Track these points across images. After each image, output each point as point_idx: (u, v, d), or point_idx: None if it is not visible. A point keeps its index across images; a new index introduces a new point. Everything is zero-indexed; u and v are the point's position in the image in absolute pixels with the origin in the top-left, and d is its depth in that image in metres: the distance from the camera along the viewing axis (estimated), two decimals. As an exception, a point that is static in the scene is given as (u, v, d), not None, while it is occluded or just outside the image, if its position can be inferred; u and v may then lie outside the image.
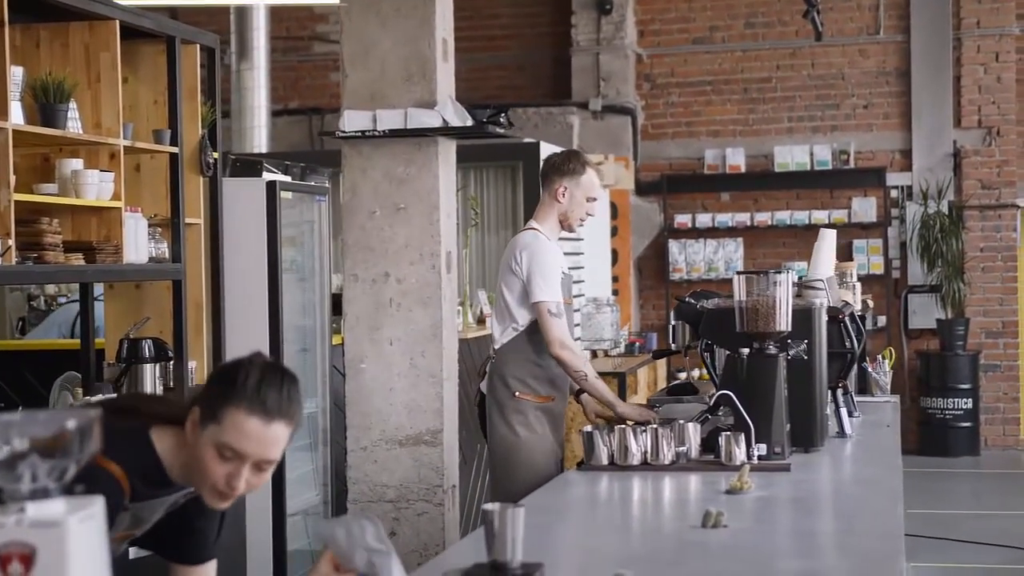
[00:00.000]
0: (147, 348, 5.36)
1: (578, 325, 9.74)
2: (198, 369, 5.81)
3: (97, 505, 1.76)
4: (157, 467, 2.62)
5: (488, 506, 2.71)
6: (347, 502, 5.75)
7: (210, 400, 2.56)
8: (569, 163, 5.27)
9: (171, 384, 5.56)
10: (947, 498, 10.51)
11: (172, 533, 2.79)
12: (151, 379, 5.36)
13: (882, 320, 12.44)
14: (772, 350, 4.34)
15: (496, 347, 5.26)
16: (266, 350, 6.29)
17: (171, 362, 5.53)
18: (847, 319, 5.02)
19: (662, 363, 11.15)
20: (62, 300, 8.59)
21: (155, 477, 2.63)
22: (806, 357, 4.46)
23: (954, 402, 12.12)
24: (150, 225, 5.46)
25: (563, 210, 5.23)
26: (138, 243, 5.23)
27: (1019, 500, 10.50)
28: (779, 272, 4.36)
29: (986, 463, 12.00)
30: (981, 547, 8.50)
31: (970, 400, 12.15)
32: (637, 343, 10.87)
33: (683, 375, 12.16)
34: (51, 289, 8.61)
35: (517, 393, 5.16)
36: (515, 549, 2.70)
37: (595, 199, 5.31)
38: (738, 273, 4.40)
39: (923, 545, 8.43)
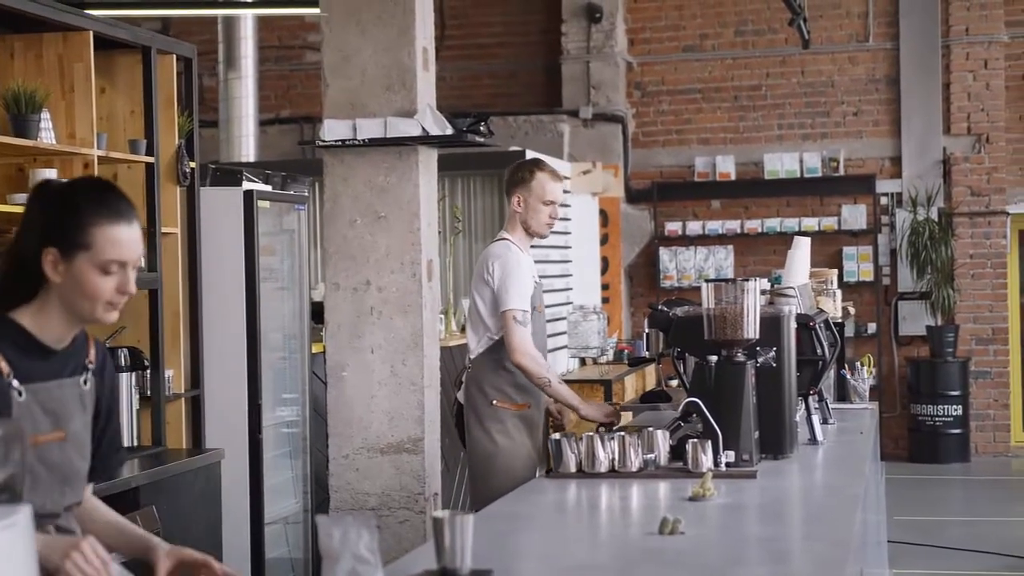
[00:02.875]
0: (123, 357, 5.37)
1: (562, 334, 9.77)
2: (175, 378, 5.83)
3: (22, 514, 1.78)
4: (26, 336, 2.67)
5: (437, 514, 2.73)
6: (329, 511, 5.76)
7: (64, 236, 2.64)
8: (518, 172, 5.41)
9: (148, 393, 5.57)
10: (937, 505, 10.52)
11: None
12: (127, 388, 5.37)
13: (872, 327, 12.45)
14: (740, 357, 4.35)
15: (472, 356, 5.36)
16: (244, 358, 6.34)
17: (147, 371, 5.54)
18: (820, 326, 5.03)
19: (651, 370, 11.17)
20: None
21: (29, 346, 2.67)
22: (775, 364, 4.47)
23: (944, 409, 12.13)
24: (127, 234, 5.47)
25: (523, 218, 5.36)
26: (113, 252, 5.24)
27: (1009, 507, 10.49)
28: (747, 280, 4.37)
29: (976, 470, 12.00)
30: (970, 554, 8.50)
31: (960, 407, 12.15)
32: (626, 351, 10.88)
33: (674, 383, 12.16)
34: None
35: (495, 401, 5.27)
36: (464, 556, 2.73)
37: (552, 202, 5.38)
38: (707, 281, 4.42)
39: (910, 552, 8.44)
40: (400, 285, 5.87)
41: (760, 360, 4.43)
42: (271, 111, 13.12)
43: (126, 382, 5.37)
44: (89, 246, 2.64)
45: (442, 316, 8.00)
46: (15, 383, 2.63)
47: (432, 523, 2.73)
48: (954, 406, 12.13)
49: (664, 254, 12.83)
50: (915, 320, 12.46)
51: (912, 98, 12.54)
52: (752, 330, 4.34)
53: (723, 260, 12.75)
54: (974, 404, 12.36)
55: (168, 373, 5.72)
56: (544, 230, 5.38)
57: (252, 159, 10.70)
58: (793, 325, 4.63)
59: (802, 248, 5.51)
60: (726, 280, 4.41)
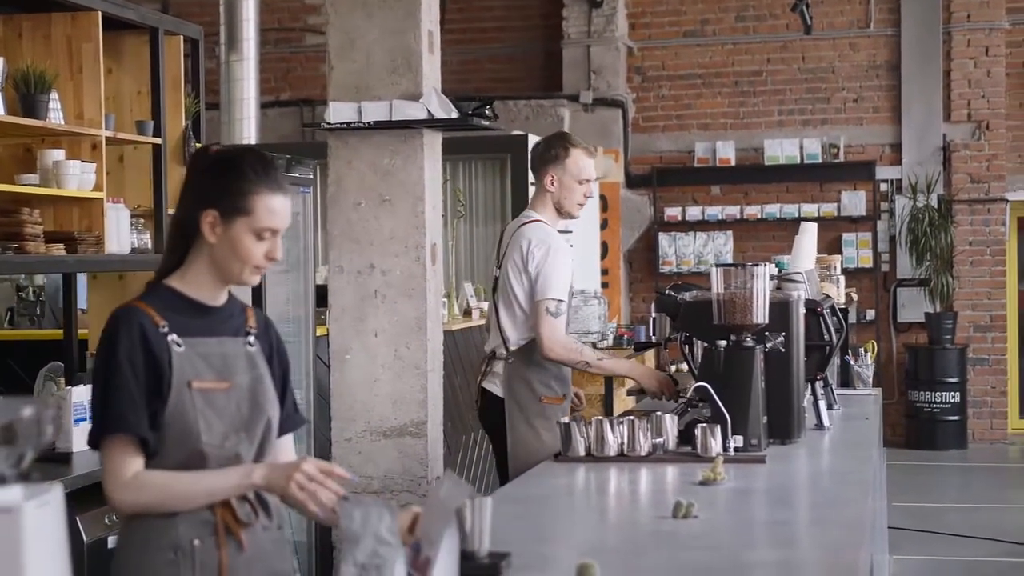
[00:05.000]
0: (129, 339, 5.35)
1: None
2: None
3: (54, 493, 1.78)
4: (179, 297, 2.83)
5: (456, 496, 2.73)
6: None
7: (226, 201, 2.79)
8: (551, 149, 5.13)
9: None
10: (934, 491, 10.54)
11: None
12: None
13: (871, 314, 12.47)
14: (749, 342, 4.35)
15: (511, 347, 5.10)
16: (249, 341, 6.33)
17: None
18: (827, 312, 5.03)
19: (651, 355, 11.18)
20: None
21: (183, 306, 2.82)
22: (783, 350, 4.47)
23: (942, 396, 12.15)
24: (133, 216, 5.47)
25: (556, 199, 5.12)
26: (120, 234, 5.24)
27: (1006, 493, 10.54)
28: (757, 265, 4.37)
29: (973, 456, 12.03)
30: (967, 540, 8.53)
31: (958, 394, 12.18)
32: (626, 335, 10.89)
33: (673, 368, 12.17)
34: (40, 279, 8.62)
35: (543, 398, 5.04)
36: (482, 539, 2.73)
37: (588, 180, 5.13)
38: (716, 265, 4.41)
39: (909, 538, 8.46)
40: (404, 268, 5.87)
41: (769, 345, 4.43)
42: (271, 94, 13.09)
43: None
44: (249, 212, 2.78)
45: (444, 300, 7.99)
46: (173, 336, 2.77)
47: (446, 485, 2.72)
48: (952, 393, 12.15)
49: (663, 239, 12.84)
50: (914, 307, 12.48)
51: (912, 85, 12.54)
52: (761, 315, 4.34)
53: (722, 246, 12.76)
54: (972, 391, 12.39)
55: (173, 355, 5.70)
56: (576, 211, 5.15)
57: (253, 141, 10.64)
58: (802, 310, 4.63)
59: (809, 234, 5.51)
60: (736, 265, 4.40)
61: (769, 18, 12.83)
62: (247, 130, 10.73)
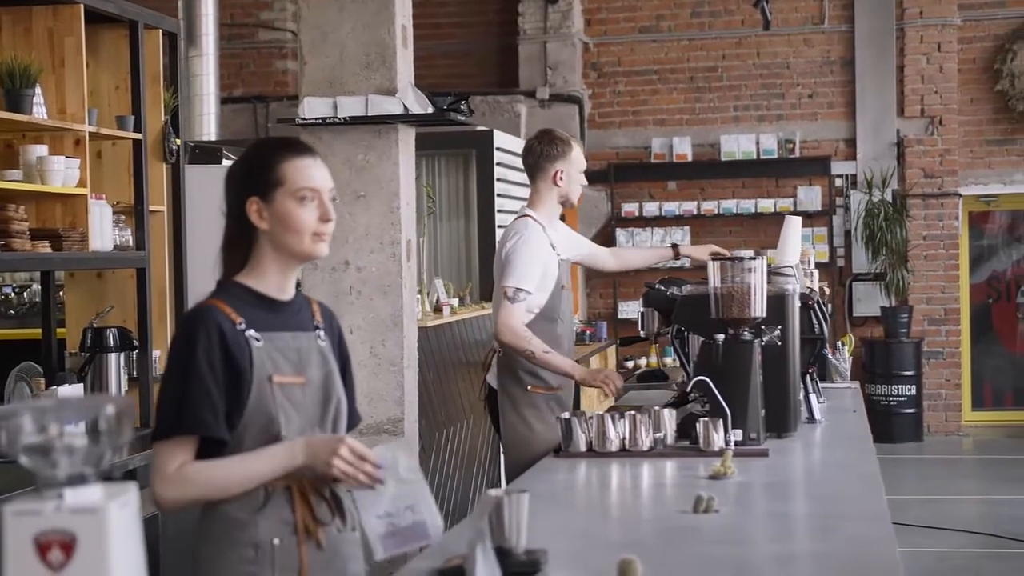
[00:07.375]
0: (112, 337, 5.28)
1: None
2: (162, 358, 5.74)
3: (132, 492, 1.74)
4: (250, 292, 2.81)
5: (493, 492, 2.70)
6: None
7: (260, 181, 2.80)
8: (557, 146, 5.23)
9: (135, 374, 5.49)
10: (892, 483, 10.56)
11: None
12: (115, 368, 5.29)
13: (827, 308, 12.54)
14: (747, 336, 4.35)
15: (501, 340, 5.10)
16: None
17: (135, 351, 5.46)
18: (816, 305, 5.05)
19: (611, 351, 11.21)
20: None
21: (255, 300, 2.81)
22: (780, 343, 4.47)
23: (898, 389, 12.26)
24: (114, 212, 5.39)
25: (564, 192, 5.24)
26: (103, 230, 5.16)
27: (962, 485, 10.65)
28: (754, 258, 4.37)
29: (929, 449, 12.16)
30: (926, 531, 8.61)
31: (913, 387, 12.29)
32: (588, 332, 10.91)
33: (630, 364, 12.21)
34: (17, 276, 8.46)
35: (529, 387, 5.11)
36: (520, 534, 2.70)
37: (584, 168, 5.34)
38: (713, 259, 4.40)
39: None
40: (380, 265, 5.84)
41: (766, 338, 4.42)
42: (224, 90, 12.92)
43: (115, 363, 5.28)
44: (283, 181, 2.79)
45: (417, 297, 7.95)
46: (251, 331, 2.76)
47: (487, 501, 2.70)
48: (908, 386, 12.26)
49: (621, 235, 12.85)
50: (869, 301, 12.58)
51: (867, 80, 12.64)
52: (759, 308, 4.34)
53: (680, 241, 12.78)
54: (927, 384, 12.51)
55: (156, 353, 5.63)
56: (577, 198, 5.32)
57: (214, 138, 10.55)
58: (797, 304, 4.64)
59: (794, 227, 5.52)
60: (732, 258, 4.39)
61: (724, 14, 12.89)
62: (207, 126, 10.65)
